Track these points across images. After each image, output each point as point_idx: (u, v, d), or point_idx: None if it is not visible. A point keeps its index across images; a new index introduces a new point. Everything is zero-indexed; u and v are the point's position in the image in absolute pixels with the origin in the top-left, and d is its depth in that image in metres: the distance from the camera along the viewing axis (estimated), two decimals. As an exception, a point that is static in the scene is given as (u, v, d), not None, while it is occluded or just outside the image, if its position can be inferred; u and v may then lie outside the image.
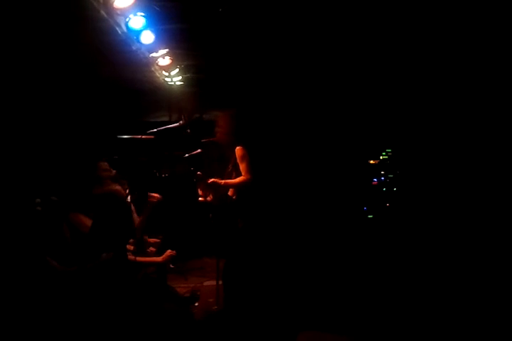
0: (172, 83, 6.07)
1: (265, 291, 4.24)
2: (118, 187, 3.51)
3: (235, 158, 4.07)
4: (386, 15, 4.39)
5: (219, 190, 4.08)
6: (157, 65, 5.25)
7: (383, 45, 5.07)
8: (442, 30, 4.60)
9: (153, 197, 4.18)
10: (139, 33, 4.16)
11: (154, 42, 4.37)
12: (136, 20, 3.99)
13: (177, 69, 5.66)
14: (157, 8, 4.04)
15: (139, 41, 4.26)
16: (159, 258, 3.85)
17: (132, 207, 4.63)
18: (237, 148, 4.05)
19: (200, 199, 4.25)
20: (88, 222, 3.34)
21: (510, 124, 4.71)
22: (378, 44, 5.05)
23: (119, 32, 4.11)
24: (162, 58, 5.12)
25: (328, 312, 3.96)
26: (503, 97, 4.79)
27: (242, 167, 4.00)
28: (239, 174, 4.02)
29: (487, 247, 4.53)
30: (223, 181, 3.98)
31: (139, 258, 3.64)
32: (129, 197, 4.61)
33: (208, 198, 4.23)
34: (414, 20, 4.44)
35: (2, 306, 2.86)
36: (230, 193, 4.14)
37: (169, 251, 3.85)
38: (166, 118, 7.09)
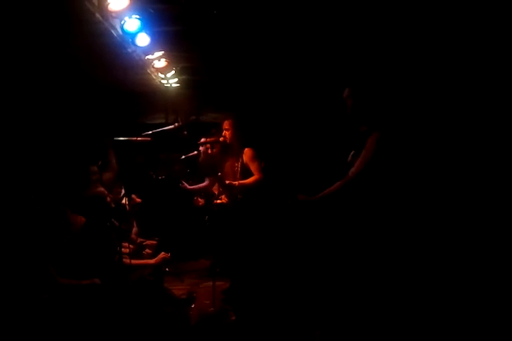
0: (168, 85, 6.07)
1: (272, 293, 4.25)
2: (102, 189, 3.58)
3: (242, 160, 4.14)
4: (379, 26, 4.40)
5: (233, 191, 4.14)
6: (153, 67, 5.26)
7: (386, 52, 5.09)
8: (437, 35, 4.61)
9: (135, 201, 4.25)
10: (134, 35, 4.15)
11: (150, 44, 4.37)
12: (132, 23, 3.99)
13: (173, 71, 5.66)
14: (152, 11, 4.05)
15: (134, 43, 4.26)
16: (152, 261, 3.87)
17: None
18: (246, 149, 4.17)
19: (217, 201, 4.31)
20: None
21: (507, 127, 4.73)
22: (381, 50, 5.06)
23: (115, 34, 4.12)
24: (158, 60, 5.12)
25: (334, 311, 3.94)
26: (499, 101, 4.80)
27: (253, 167, 4.13)
28: (246, 175, 4.09)
29: (480, 249, 4.55)
30: (237, 182, 4.04)
31: (134, 261, 3.66)
32: (124, 200, 4.62)
33: (223, 200, 4.30)
34: (407, 25, 4.45)
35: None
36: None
37: (163, 253, 3.87)
38: (162, 120, 7.09)
